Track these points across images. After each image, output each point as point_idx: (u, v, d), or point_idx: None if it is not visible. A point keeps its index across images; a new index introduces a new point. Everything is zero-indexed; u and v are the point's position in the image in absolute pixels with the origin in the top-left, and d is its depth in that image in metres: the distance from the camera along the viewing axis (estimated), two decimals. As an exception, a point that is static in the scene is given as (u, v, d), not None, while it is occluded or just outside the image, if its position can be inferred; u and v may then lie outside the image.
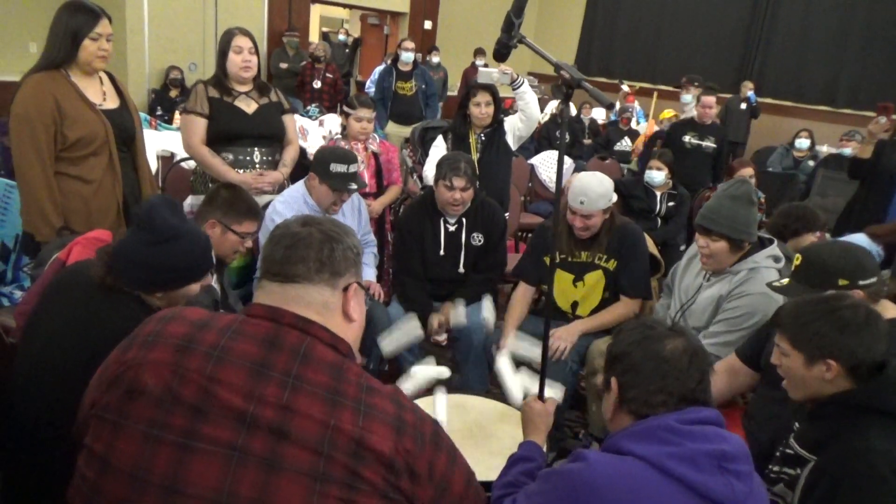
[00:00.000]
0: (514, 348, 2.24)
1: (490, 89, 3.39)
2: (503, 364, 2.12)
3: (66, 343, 1.42)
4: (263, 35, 8.05)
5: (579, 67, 1.84)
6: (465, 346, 2.77)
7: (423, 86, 6.38)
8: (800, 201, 5.03)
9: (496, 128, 3.44)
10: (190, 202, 2.74)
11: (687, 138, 4.96)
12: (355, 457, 0.95)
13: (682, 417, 1.11)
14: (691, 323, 2.35)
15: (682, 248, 3.94)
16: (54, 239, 2.13)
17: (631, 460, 1.08)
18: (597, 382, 2.14)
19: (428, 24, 9.99)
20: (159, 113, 6.53)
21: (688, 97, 5.82)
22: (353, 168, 2.64)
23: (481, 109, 3.36)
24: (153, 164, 3.95)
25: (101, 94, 2.39)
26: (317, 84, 7.53)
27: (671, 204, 4.11)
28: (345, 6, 9.98)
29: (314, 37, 11.29)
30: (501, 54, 1.64)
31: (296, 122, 3.29)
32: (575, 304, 2.71)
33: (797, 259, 1.85)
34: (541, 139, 6.67)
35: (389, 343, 2.34)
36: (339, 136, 3.52)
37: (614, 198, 2.57)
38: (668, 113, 7.02)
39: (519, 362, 2.16)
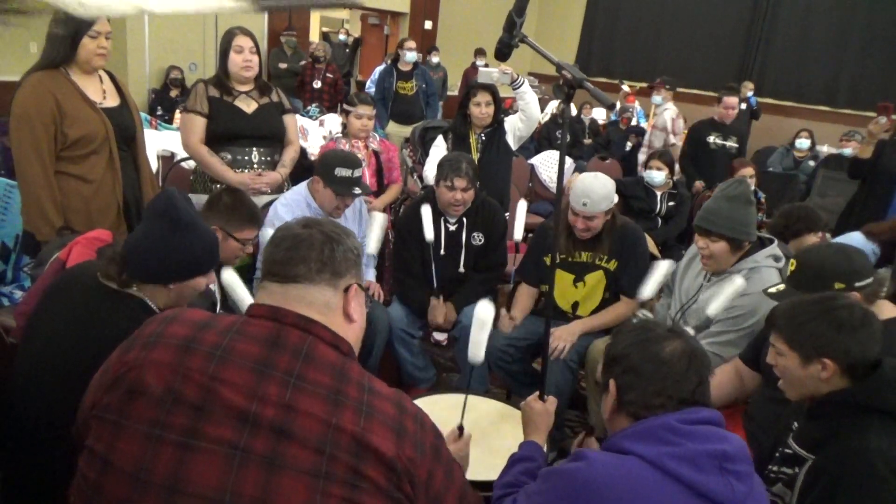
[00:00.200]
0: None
1: (490, 89, 3.39)
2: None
3: (67, 343, 1.42)
4: (263, 35, 8.04)
5: (580, 67, 1.84)
6: (465, 345, 2.76)
7: (424, 85, 6.37)
8: (800, 201, 5.04)
9: (496, 128, 3.44)
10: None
11: (711, 139, 4.91)
12: (357, 456, 0.95)
13: (682, 417, 1.11)
14: (692, 323, 2.35)
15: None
16: (54, 238, 2.13)
17: (631, 460, 1.08)
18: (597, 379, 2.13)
19: (428, 24, 9.99)
20: (159, 113, 6.53)
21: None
22: (357, 172, 2.64)
23: (481, 109, 3.36)
24: (154, 164, 3.94)
25: (101, 93, 2.38)
26: (317, 84, 7.52)
27: (671, 204, 4.11)
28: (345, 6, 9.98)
29: (314, 37, 11.28)
30: (503, 54, 1.65)
31: (297, 123, 3.28)
32: (575, 305, 2.70)
33: (792, 265, 1.85)
34: (541, 139, 6.68)
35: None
36: (340, 135, 3.53)
37: (616, 199, 2.57)
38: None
39: None
